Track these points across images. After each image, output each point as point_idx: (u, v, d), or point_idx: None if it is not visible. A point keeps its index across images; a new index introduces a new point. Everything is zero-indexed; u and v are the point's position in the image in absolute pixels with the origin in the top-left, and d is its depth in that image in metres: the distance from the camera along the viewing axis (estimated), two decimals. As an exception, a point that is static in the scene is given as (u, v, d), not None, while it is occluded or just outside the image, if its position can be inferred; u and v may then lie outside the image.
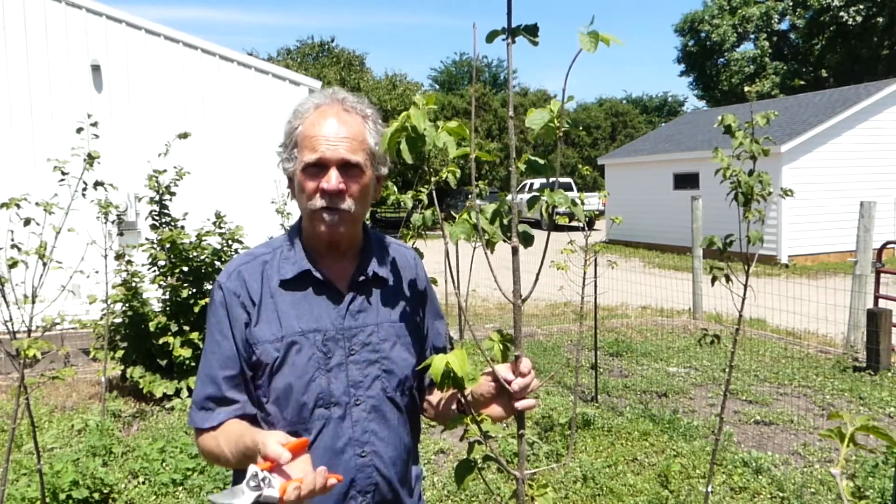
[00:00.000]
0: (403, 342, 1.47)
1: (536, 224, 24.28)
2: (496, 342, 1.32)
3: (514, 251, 1.24)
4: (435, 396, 1.53)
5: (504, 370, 1.31)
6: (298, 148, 1.40)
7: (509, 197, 1.24)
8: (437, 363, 1.21)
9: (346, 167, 1.38)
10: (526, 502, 1.26)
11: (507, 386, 1.30)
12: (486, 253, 1.27)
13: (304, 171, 1.38)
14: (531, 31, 1.20)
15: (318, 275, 1.42)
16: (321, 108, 1.41)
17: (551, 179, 1.26)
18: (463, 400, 1.32)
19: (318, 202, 1.37)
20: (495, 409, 1.36)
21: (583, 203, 3.67)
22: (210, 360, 1.41)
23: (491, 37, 1.20)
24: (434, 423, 2.91)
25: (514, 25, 1.19)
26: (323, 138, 1.37)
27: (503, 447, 4.30)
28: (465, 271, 5.51)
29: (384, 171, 1.48)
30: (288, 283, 1.42)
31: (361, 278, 1.45)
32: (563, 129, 1.21)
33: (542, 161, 1.26)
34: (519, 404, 1.31)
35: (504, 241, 1.25)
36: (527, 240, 1.25)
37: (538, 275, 1.30)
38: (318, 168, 1.38)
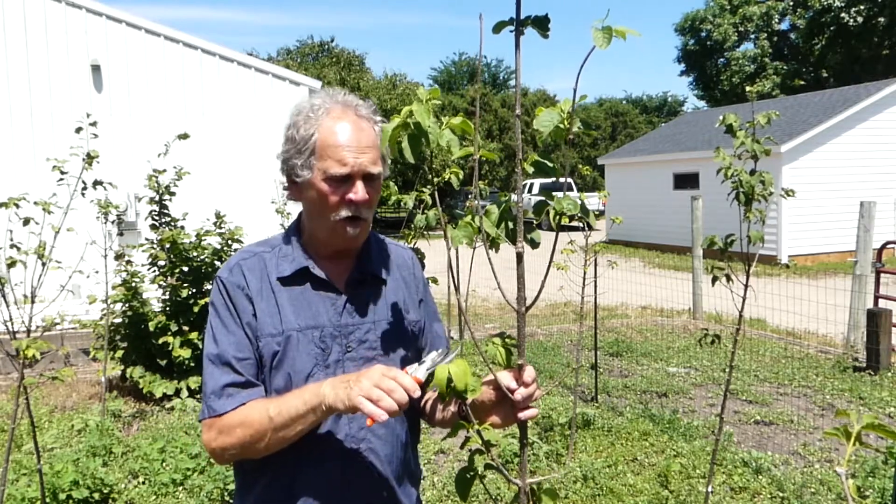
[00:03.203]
0: (400, 340, 1.47)
1: (538, 224, 24.27)
2: (498, 346, 1.25)
3: (519, 257, 1.16)
4: (433, 396, 1.52)
5: (507, 378, 1.26)
6: (316, 157, 1.37)
7: (514, 198, 1.17)
8: (440, 374, 1.17)
9: (369, 178, 1.39)
10: (528, 505, 1.23)
11: (509, 395, 1.25)
12: (487, 254, 1.20)
13: (326, 181, 1.36)
14: (541, 23, 1.10)
15: (316, 272, 1.43)
16: (334, 115, 1.38)
17: (559, 180, 1.19)
18: (464, 408, 1.30)
19: (343, 212, 1.37)
20: (496, 418, 1.32)
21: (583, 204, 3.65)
22: (224, 348, 1.37)
23: (498, 28, 1.09)
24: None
25: (522, 17, 1.09)
26: (347, 149, 1.36)
27: (503, 447, 4.29)
28: (466, 271, 5.51)
29: (387, 172, 1.48)
30: (286, 280, 1.42)
31: (359, 277, 1.46)
32: (573, 130, 1.13)
33: (549, 163, 1.18)
34: (522, 414, 1.26)
35: (509, 244, 1.18)
36: (534, 244, 1.18)
37: (544, 280, 1.21)
38: (344, 179, 1.36)
